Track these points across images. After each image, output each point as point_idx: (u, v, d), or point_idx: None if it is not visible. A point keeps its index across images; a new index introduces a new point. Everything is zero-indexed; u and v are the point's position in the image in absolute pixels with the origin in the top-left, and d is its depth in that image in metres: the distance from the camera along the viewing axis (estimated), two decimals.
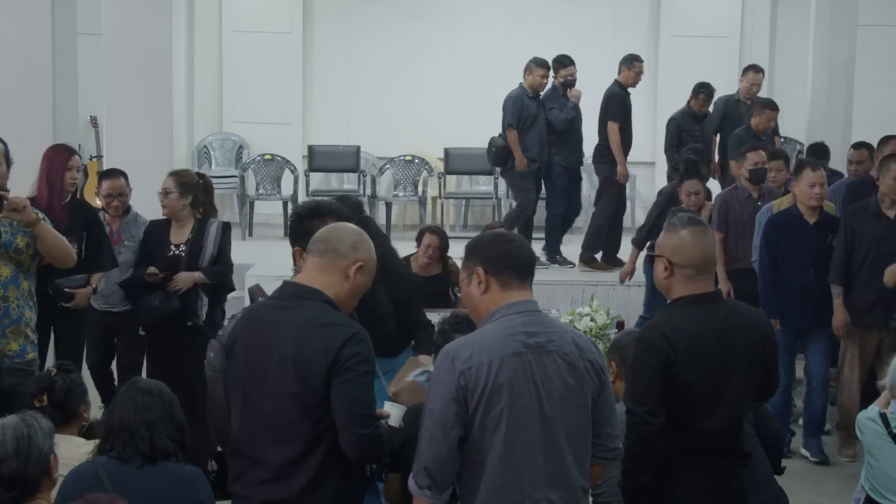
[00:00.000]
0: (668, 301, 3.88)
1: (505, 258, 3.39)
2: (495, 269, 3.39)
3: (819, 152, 9.14)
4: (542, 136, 9.81)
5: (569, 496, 3.28)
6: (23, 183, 5.79)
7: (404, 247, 8.20)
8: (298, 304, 3.48)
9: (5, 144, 5.21)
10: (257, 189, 12.13)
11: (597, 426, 3.40)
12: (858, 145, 8.65)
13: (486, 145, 12.06)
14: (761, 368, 3.87)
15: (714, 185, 9.47)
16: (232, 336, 3.62)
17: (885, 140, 8.56)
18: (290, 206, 11.76)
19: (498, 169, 12.13)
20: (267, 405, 3.43)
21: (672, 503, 3.74)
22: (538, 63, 9.84)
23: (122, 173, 6.89)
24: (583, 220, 11.08)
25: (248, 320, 3.60)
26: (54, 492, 3.58)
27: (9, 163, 5.21)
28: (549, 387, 3.29)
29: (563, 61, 10.00)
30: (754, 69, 10.40)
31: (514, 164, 9.78)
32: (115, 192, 6.79)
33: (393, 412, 3.59)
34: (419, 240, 7.83)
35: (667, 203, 8.41)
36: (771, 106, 9.61)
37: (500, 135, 9.89)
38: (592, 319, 7.10)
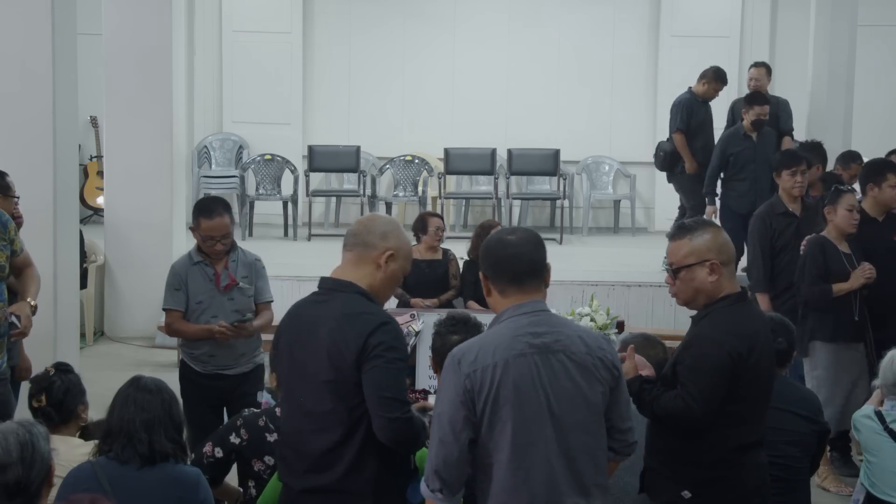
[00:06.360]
0: (714, 300, 3.83)
1: (499, 267, 3.40)
2: (493, 276, 3.42)
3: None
4: (708, 142, 9.75)
5: (580, 495, 3.30)
6: (22, 186, 5.76)
7: None
8: (334, 297, 3.64)
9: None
10: (257, 189, 12.11)
11: (613, 421, 3.41)
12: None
13: (485, 145, 12.12)
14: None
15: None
16: (277, 334, 3.78)
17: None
18: (289, 206, 11.77)
19: (497, 170, 12.19)
20: (308, 397, 3.59)
21: (740, 489, 3.80)
22: (718, 77, 9.81)
23: None
24: None
25: (290, 317, 3.75)
26: (53, 493, 3.58)
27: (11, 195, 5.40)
28: (557, 387, 3.29)
29: (760, 101, 9.25)
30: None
31: (683, 168, 9.70)
32: None
33: None
34: (422, 226, 8.05)
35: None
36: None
37: (667, 139, 9.85)
38: (592, 319, 7.12)
